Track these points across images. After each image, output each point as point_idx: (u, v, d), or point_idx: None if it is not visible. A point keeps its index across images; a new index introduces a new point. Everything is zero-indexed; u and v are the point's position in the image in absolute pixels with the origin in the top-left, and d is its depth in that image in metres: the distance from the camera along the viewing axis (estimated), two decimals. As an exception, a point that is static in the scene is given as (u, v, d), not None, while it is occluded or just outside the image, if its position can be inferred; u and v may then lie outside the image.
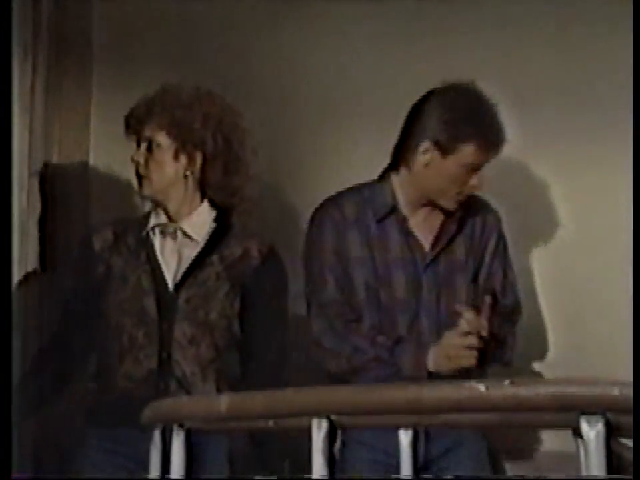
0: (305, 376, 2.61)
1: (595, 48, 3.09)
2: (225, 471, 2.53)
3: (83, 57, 3.20)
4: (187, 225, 2.64)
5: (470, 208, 2.65)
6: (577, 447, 1.32)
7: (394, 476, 1.49)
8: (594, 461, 1.30)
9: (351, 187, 2.68)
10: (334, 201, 2.65)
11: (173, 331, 2.55)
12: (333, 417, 1.44)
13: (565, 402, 1.32)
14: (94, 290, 2.62)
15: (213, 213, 2.67)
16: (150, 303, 2.56)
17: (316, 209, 2.66)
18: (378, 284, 2.57)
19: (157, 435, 1.69)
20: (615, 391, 1.29)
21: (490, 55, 3.10)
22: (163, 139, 2.61)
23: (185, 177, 2.64)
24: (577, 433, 1.31)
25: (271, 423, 1.55)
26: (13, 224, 2.69)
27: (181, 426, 1.62)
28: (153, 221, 2.65)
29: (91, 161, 3.21)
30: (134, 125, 2.64)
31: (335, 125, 3.15)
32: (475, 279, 2.64)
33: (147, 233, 2.64)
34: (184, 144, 2.61)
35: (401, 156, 2.61)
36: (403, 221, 2.61)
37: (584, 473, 1.31)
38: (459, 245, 2.63)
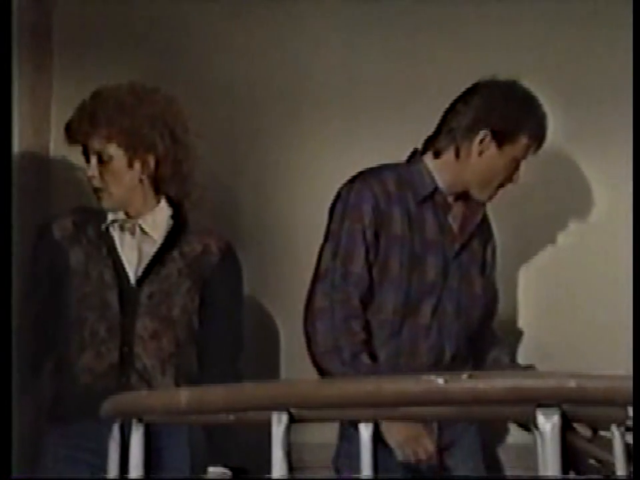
0: (260, 368, 2.65)
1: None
2: (187, 462, 2.54)
3: (43, 48, 3.17)
4: (144, 222, 2.63)
5: None
6: (534, 439, 1.34)
7: (359, 476, 1.49)
8: (550, 452, 1.31)
9: (386, 165, 2.64)
10: (374, 173, 2.61)
11: (135, 326, 2.55)
12: (293, 411, 1.44)
13: (522, 394, 1.33)
14: (53, 281, 2.61)
15: (170, 211, 2.66)
16: (112, 298, 2.56)
17: (353, 178, 2.60)
18: (412, 265, 2.56)
19: (115, 429, 1.69)
20: (571, 383, 1.31)
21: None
22: (114, 150, 2.58)
23: (141, 180, 2.62)
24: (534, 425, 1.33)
25: (231, 416, 1.55)
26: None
27: (140, 420, 1.62)
28: (111, 216, 2.64)
29: (51, 153, 3.18)
30: (78, 137, 2.60)
31: (298, 124, 3.14)
32: (482, 270, 2.70)
33: (107, 227, 2.63)
34: (136, 151, 2.58)
35: (442, 143, 2.60)
36: (444, 205, 2.61)
37: (540, 465, 1.33)
38: (477, 236, 2.68)
